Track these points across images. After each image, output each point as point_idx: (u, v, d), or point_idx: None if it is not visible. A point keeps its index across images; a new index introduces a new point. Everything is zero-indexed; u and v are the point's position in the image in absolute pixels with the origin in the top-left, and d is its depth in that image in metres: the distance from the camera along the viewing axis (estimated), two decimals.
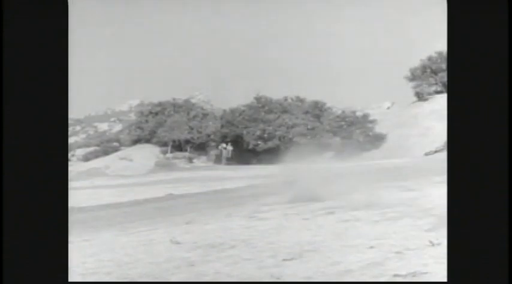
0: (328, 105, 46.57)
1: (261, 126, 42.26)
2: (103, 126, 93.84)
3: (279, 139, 41.86)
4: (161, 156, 43.32)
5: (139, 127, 47.72)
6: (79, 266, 6.64)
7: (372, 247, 6.23)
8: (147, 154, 43.24)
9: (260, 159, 41.51)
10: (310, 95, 52.58)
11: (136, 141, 47.04)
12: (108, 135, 75.80)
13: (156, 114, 47.33)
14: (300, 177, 14.17)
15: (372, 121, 42.48)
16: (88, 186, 27.23)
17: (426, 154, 34.37)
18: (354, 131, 41.65)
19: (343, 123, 42.14)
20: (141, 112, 50.61)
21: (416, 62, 46.80)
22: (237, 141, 43.01)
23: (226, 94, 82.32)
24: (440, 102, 40.29)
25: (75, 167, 40.65)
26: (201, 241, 7.64)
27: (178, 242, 7.68)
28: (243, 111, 43.99)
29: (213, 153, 44.18)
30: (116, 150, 47.99)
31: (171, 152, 43.51)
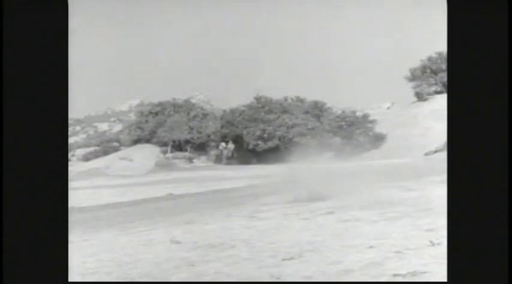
0: (328, 105, 46.66)
1: (261, 126, 42.26)
2: (103, 126, 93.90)
3: (279, 139, 41.87)
4: (161, 156, 43.34)
5: (139, 127, 47.74)
6: (79, 266, 6.64)
7: (371, 247, 6.23)
8: (147, 154, 43.26)
9: (260, 159, 41.53)
10: (310, 95, 52.68)
11: (136, 141, 47.07)
12: (108, 135, 75.85)
13: (156, 114, 47.36)
14: (299, 177, 14.17)
15: (372, 121, 42.48)
16: (88, 186, 27.24)
17: (426, 154, 34.37)
18: (354, 131, 41.66)
19: (343, 123, 42.14)
20: (141, 112, 50.64)
21: (416, 62, 46.90)
22: (237, 141, 43.01)
23: (226, 94, 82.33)
24: (440, 102, 40.32)
25: (75, 167, 40.68)
26: (201, 241, 7.64)
27: (178, 242, 7.69)
28: (243, 111, 44.00)
29: (213, 153, 44.19)
30: (116, 150, 48.03)
31: (171, 152, 43.53)
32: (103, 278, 6.06)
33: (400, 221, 7.94)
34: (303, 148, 33.42)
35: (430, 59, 46.13)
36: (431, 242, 6.09)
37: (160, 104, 48.54)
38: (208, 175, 30.69)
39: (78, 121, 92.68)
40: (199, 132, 44.71)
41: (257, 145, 42.14)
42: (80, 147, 56.19)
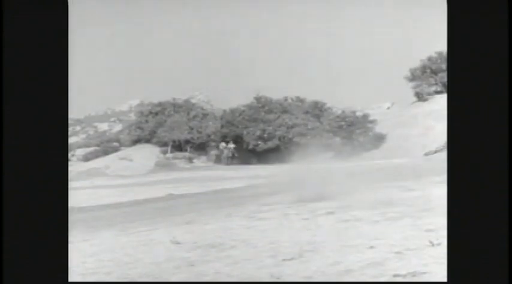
0: (328, 105, 46.64)
1: (261, 126, 42.26)
2: (103, 126, 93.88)
3: (279, 139, 41.87)
4: (161, 156, 43.33)
5: (139, 127, 47.72)
6: (79, 266, 6.64)
7: (372, 247, 6.23)
8: (147, 154, 43.25)
9: (260, 159, 41.53)
10: (310, 95, 52.73)
11: (136, 141, 47.06)
12: (108, 135, 75.81)
13: (156, 114, 47.34)
14: (299, 177, 14.17)
15: (372, 121, 42.48)
16: (88, 186, 27.24)
17: (426, 154, 34.37)
18: (354, 131, 41.65)
19: (343, 123, 42.13)
20: (141, 112, 50.61)
21: (416, 62, 46.91)
22: (237, 141, 43.01)
23: (226, 94, 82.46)
24: (440, 102, 40.32)
25: (75, 167, 40.67)
26: (201, 241, 7.63)
27: (178, 242, 7.68)
28: (243, 111, 43.99)
29: (213, 153, 44.18)
30: (116, 150, 48.01)
31: (171, 152, 43.52)
32: (103, 278, 6.06)
33: (400, 221, 7.94)
34: (303, 148, 33.39)
35: (430, 59, 46.13)
36: (431, 242, 6.09)
37: (160, 104, 48.51)
38: (208, 175, 30.69)
39: (78, 121, 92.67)
40: (199, 132, 44.70)
41: (257, 145, 42.13)
42: (80, 147, 56.16)
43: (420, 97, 45.56)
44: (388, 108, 57.22)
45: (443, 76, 43.30)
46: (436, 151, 33.60)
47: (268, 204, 11.93)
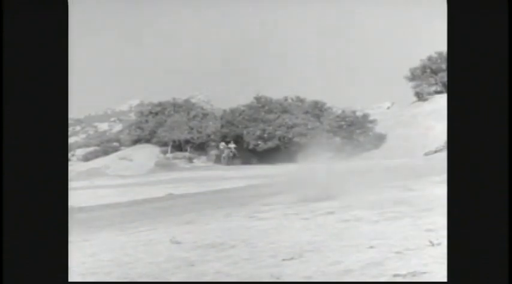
0: (328, 105, 46.62)
1: (261, 126, 42.26)
2: (103, 126, 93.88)
3: (279, 139, 41.87)
4: (161, 156, 43.33)
5: (139, 127, 47.70)
6: (79, 266, 6.64)
7: (372, 247, 6.23)
8: (147, 154, 43.25)
9: (260, 159, 41.53)
10: (310, 95, 52.69)
11: (136, 141, 47.04)
12: (108, 135, 75.80)
13: (156, 114, 47.33)
14: (300, 177, 14.18)
15: (372, 121, 42.48)
16: (88, 186, 27.23)
17: (426, 154, 34.39)
18: (354, 131, 41.66)
19: (343, 123, 42.13)
20: (141, 112, 50.58)
21: (416, 62, 46.90)
22: (237, 141, 43.01)
23: (226, 94, 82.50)
24: (440, 102, 40.32)
25: (75, 167, 40.69)
26: (201, 241, 7.63)
27: (178, 242, 7.68)
28: (243, 111, 43.99)
29: (213, 153, 44.17)
30: (116, 150, 48.02)
31: (171, 152, 43.52)
32: (103, 278, 6.06)
33: (400, 221, 7.94)
34: (303, 148, 33.38)
35: (430, 58, 46.12)
36: (431, 242, 6.09)
37: (160, 104, 48.50)
38: (208, 175, 30.69)
39: (78, 121, 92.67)
40: (199, 132, 44.69)
41: (257, 145, 42.13)
42: (80, 147, 56.18)
43: (420, 97, 45.56)
44: (388, 108, 57.22)
45: (443, 76, 43.30)
46: (436, 151, 33.61)
47: (268, 204, 11.93)
